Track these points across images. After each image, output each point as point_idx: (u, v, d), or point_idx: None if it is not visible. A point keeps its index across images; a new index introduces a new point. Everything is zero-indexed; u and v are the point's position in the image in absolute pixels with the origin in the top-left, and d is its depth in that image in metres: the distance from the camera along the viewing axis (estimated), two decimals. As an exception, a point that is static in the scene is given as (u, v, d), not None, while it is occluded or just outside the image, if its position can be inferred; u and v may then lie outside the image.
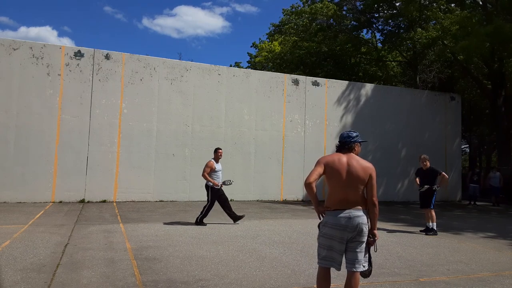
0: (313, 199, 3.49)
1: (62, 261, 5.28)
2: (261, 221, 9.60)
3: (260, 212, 11.14)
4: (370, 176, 3.45)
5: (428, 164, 8.83)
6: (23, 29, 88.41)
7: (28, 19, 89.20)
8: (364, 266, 3.48)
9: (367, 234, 3.45)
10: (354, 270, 3.45)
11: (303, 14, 25.13)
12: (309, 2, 26.17)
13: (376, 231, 3.55)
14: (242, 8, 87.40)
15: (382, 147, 16.74)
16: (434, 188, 8.60)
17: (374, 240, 3.55)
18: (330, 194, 3.52)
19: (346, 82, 16.96)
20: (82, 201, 12.35)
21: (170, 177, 13.45)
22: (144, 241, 6.78)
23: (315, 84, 15.87)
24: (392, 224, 9.95)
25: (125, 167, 12.95)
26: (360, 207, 3.42)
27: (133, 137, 13.12)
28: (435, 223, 8.60)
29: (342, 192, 3.42)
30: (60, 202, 12.08)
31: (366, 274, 3.61)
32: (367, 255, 3.53)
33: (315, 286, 4.61)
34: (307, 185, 3.40)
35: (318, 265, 3.57)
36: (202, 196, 14.08)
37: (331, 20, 23.59)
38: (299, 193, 15.21)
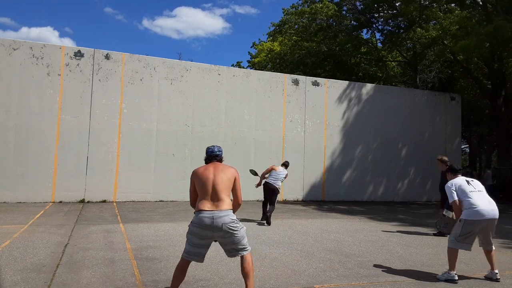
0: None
1: (62, 261, 5.28)
2: (261, 221, 9.59)
3: (260, 212, 11.12)
4: (235, 179, 3.93)
5: (443, 165, 8.40)
6: (24, 29, 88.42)
7: (29, 19, 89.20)
8: (247, 249, 3.85)
9: (237, 228, 3.78)
10: (242, 255, 3.83)
11: (303, 14, 25.14)
12: (309, 2, 26.18)
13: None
14: (242, 9, 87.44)
15: (382, 147, 16.74)
16: (443, 214, 7.86)
17: None
18: (200, 197, 3.84)
19: (346, 82, 16.95)
20: (82, 201, 12.35)
21: (170, 177, 13.44)
22: (144, 241, 6.78)
23: (315, 84, 15.87)
24: (392, 224, 9.95)
25: (125, 167, 12.94)
26: (224, 208, 3.74)
27: (133, 137, 13.12)
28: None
29: (208, 197, 3.78)
30: (60, 202, 12.08)
31: None
32: (245, 240, 3.87)
33: (315, 286, 4.63)
34: (191, 206, 3.98)
35: (182, 257, 3.86)
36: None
37: (331, 20, 23.60)
38: (299, 193, 15.21)
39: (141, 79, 13.34)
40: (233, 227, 3.74)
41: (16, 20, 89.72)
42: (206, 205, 3.74)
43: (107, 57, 12.97)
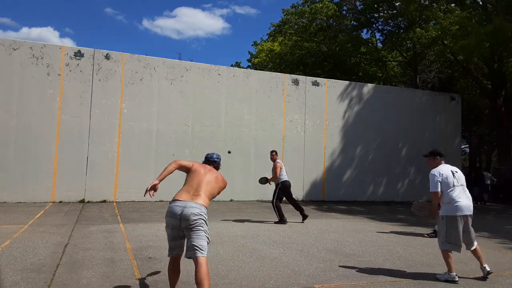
0: (164, 172, 3.90)
1: (62, 261, 5.27)
2: (261, 221, 9.59)
3: (260, 212, 11.14)
4: (220, 187, 3.99)
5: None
6: (25, 29, 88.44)
7: (29, 20, 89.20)
8: (203, 253, 3.61)
9: (202, 224, 3.65)
10: (195, 256, 3.60)
11: (303, 14, 25.15)
12: (309, 2, 26.18)
13: None
14: (241, 9, 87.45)
15: (382, 147, 16.74)
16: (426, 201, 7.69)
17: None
18: (181, 188, 3.87)
19: (346, 82, 16.95)
20: (82, 201, 12.35)
21: (170, 177, 13.28)
22: (144, 241, 6.78)
23: (315, 84, 15.87)
24: (392, 224, 9.95)
25: (125, 167, 12.94)
26: (199, 202, 3.71)
27: (133, 137, 13.12)
28: None
29: (189, 190, 3.80)
30: (60, 202, 12.08)
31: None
32: (205, 243, 3.68)
33: (315, 286, 4.62)
34: (175, 162, 3.95)
35: (168, 257, 3.85)
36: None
37: (331, 20, 23.61)
38: (299, 193, 15.19)
39: (141, 79, 13.34)
40: (199, 219, 3.63)
41: (16, 20, 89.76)
42: (182, 196, 3.75)
43: (107, 57, 12.97)
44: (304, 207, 10.16)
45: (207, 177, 3.90)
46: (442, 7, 20.38)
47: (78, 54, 12.66)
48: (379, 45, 24.71)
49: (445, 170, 5.12)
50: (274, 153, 9.84)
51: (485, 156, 37.16)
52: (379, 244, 7.26)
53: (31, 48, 12.19)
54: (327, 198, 15.68)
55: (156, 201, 13.17)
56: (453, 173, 5.10)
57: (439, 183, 5.00)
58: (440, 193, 5.01)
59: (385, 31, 22.99)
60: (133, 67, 13.28)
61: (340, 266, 5.54)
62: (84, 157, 12.51)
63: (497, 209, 15.33)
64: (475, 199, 17.10)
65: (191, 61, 18.05)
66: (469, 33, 16.26)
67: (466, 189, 5.15)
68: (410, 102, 17.49)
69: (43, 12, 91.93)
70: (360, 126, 16.45)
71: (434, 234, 8.36)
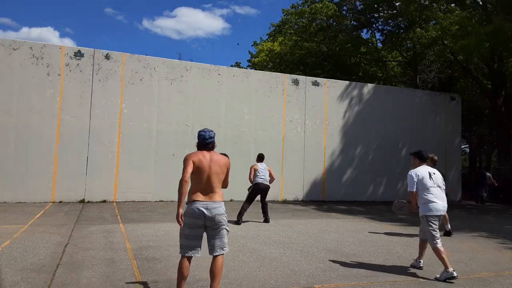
0: (182, 197, 3.76)
1: (62, 261, 5.28)
2: (261, 221, 9.60)
3: (260, 212, 11.11)
4: (227, 169, 4.04)
5: (432, 164, 7.63)
6: (25, 30, 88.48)
7: (30, 20, 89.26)
8: (225, 250, 3.91)
9: (226, 222, 3.89)
10: (219, 253, 3.85)
11: (303, 14, 25.14)
12: (309, 2, 26.18)
13: None
14: (242, 10, 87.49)
15: (382, 147, 16.74)
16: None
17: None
18: (193, 187, 3.88)
19: (346, 82, 16.95)
20: (82, 201, 12.35)
21: (170, 177, 13.42)
22: (144, 241, 6.78)
23: (315, 84, 15.87)
24: (391, 224, 9.95)
25: (125, 167, 12.94)
26: (218, 200, 3.86)
27: (133, 137, 13.12)
28: (448, 225, 8.37)
29: (202, 188, 3.85)
30: (60, 202, 12.08)
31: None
32: (227, 239, 3.95)
33: (315, 286, 4.62)
34: (185, 181, 3.75)
35: (180, 255, 3.85)
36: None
37: (331, 20, 23.60)
38: (299, 193, 15.20)
39: (141, 79, 13.34)
40: (224, 219, 3.87)
41: (16, 20, 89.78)
42: (200, 196, 3.82)
43: (107, 57, 12.97)
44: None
45: (212, 169, 3.89)
46: (442, 7, 20.35)
47: (78, 54, 12.66)
48: (379, 45, 24.70)
49: (422, 171, 5.41)
50: (257, 157, 9.80)
51: (485, 156, 37.16)
52: (379, 244, 7.27)
53: (31, 48, 12.18)
54: (327, 198, 15.68)
55: (156, 201, 13.18)
56: (430, 175, 5.37)
57: (415, 184, 5.33)
58: (415, 192, 5.33)
59: (385, 31, 22.99)
60: (133, 67, 13.28)
61: (340, 266, 5.54)
62: (84, 157, 12.51)
63: (497, 209, 15.30)
64: (475, 199, 17.10)
65: (191, 61, 18.06)
66: (469, 33, 16.25)
67: (443, 190, 5.42)
68: (410, 102, 17.49)
69: (43, 12, 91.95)
70: (360, 126, 16.45)
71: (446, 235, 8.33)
